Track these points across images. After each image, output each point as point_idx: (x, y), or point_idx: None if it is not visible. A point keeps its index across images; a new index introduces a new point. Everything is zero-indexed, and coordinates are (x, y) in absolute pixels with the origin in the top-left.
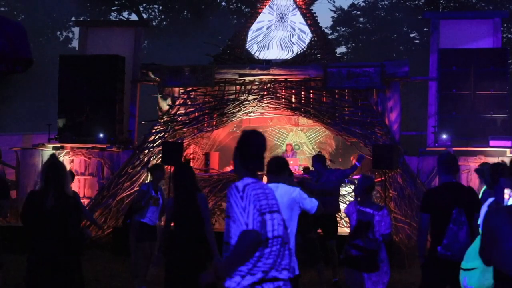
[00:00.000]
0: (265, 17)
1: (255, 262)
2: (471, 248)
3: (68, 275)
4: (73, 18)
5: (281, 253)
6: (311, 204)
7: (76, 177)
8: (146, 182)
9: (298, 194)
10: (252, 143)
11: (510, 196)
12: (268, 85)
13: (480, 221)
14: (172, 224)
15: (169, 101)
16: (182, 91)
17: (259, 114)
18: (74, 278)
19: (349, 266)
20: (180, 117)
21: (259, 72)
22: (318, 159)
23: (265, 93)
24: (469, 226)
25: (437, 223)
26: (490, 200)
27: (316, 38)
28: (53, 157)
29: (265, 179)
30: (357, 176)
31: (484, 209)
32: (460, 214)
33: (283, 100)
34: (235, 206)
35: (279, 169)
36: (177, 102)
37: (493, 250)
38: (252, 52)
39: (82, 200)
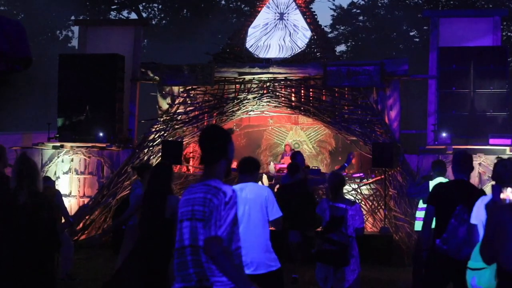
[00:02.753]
0: (265, 15)
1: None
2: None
3: (37, 272)
4: (72, 17)
5: (180, 263)
6: (275, 211)
7: (76, 176)
8: (135, 184)
9: (268, 195)
10: (202, 137)
11: None
12: (268, 84)
13: (474, 220)
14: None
15: (168, 100)
16: (181, 90)
17: (259, 112)
18: (44, 275)
19: (320, 260)
20: (180, 116)
21: (259, 70)
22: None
23: (265, 91)
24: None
25: (441, 217)
26: (486, 198)
27: (315, 37)
28: (24, 155)
29: (265, 178)
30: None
31: (479, 207)
32: (464, 212)
33: (283, 98)
34: None
35: (250, 169)
36: (177, 101)
37: (499, 248)
38: (252, 51)
39: (81, 199)
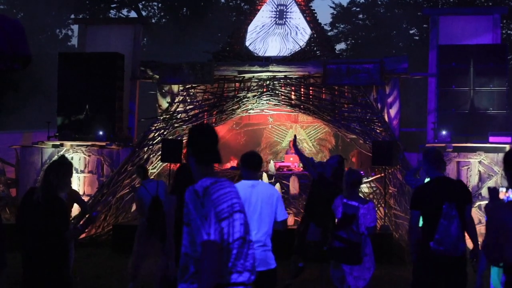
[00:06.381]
0: (264, 14)
1: None
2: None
3: (51, 272)
4: (72, 16)
5: (243, 254)
6: (284, 212)
7: (75, 175)
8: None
9: (278, 195)
10: (205, 135)
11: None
12: (268, 82)
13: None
14: None
15: (168, 98)
16: (181, 88)
17: (259, 111)
18: (58, 275)
19: (331, 257)
20: (180, 115)
21: (259, 69)
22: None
23: (265, 90)
24: (460, 219)
25: (429, 219)
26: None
27: (315, 35)
28: (61, 157)
29: (264, 177)
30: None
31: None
32: (451, 208)
33: (283, 97)
34: (195, 213)
35: (258, 165)
36: (176, 100)
37: (505, 247)
38: (251, 49)
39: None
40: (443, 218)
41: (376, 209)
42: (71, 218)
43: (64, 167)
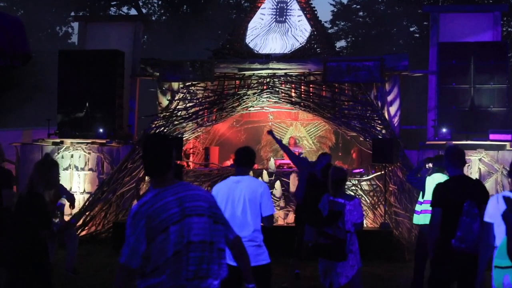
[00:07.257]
0: (265, 11)
1: (166, 279)
2: (508, 246)
3: (28, 268)
4: (72, 13)
5: (205, 258)
6: (269, 208)
7: (76, 172)
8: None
9: (263, 190)
10: (146, 147)
11: None
12: (268, 80)
13: (489, 218)
14: None
15: (168, 96)
16: (181, 85)
17: (259, 108)
18: (34, 271)
19: (316, 254)
20: (180, 112)
21: (259, 66)
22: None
23: (265, 87)
24: (481, 218)
25: (449, 217)
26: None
27: (315, 32)
28: (44, 155)
29: (265, 174)
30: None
31: (494, 206)
32: (472, 207)
33: (283, 94)
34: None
35: (247, 161)
36: (177, 97)
37: None
38: (252, 47)
39: (82, 195)
40: (465, 215)
41: (377, 206)
42: (71, 217)
43: (45, 165)
